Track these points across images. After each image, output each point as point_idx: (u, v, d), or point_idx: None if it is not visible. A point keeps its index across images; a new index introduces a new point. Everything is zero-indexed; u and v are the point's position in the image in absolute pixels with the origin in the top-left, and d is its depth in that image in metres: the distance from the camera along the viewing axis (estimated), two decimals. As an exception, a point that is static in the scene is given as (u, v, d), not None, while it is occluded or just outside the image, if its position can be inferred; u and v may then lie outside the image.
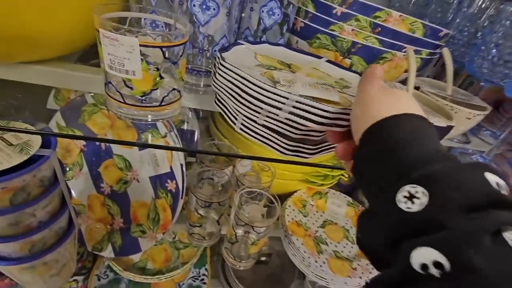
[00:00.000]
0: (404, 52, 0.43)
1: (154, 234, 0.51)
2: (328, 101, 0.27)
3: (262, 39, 0.44)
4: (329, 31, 0.43)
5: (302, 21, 0.46)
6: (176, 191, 0.50)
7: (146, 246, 0.51)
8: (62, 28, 0.34)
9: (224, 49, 0.32)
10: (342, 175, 0.69)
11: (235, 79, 0.28)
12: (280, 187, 0.64)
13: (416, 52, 0.43)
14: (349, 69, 0.40)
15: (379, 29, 0.41)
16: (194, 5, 0.34)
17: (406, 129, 0.20)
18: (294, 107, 0.25)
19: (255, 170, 0.62)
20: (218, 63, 0.30)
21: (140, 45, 0.25)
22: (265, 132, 0.31)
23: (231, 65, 0.28)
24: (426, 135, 0.20)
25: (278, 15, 0.42)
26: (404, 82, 0.51)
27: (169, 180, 0.50)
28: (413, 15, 0.63)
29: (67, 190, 0.38)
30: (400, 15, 0.40)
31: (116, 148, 0.52)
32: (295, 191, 0.69)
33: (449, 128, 0.33)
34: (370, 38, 0.42)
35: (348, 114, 0.25)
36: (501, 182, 0.16)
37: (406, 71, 0.47)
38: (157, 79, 0.28)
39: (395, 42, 0.42)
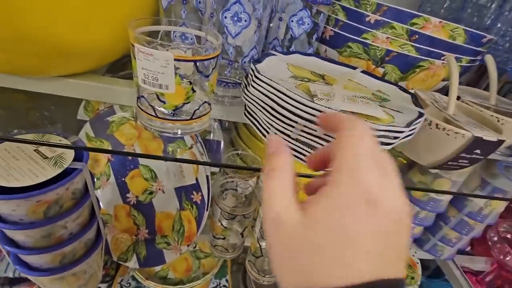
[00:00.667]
0: (444, 59, 0.40)
1: (178, 246, 0.50)
2: (370, 116, 0.26)
3: (291, 49, 0.43)
4: (361, 40, 0.42)
5: (331, 30, 0.45)
6: (201, 203, 0.50)
7: (171, 258, 0.51)
8: (96, 42, 0.35)
9: (257, 60, 0.31)
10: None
11: (270, 92, 0.27)
12: (305, 199, 0.62)
13: (456, 59, 0.40)
14: (385, 80, 0.38)
15: (416, 36, 0.39)
16: (225, 17, 0.33)
17: None
18: (335, 122, 0.24)
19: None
20: (252, 75, 0.29)
21: (174, 59, 0.25)
22: (299, 147, 0.30)
23: (266, 77, 0.27)
24: None
25: (308, 24, 0.41)
26: (441, 91, 0.48)
27: (194, 192, 0.50)
28: (446, 20, 0.60)
29: (96, 201, 0.38)
30: (440, 22, 0.37)
31: (142, 159, 0.53)
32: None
33: (500, 142, 0.31)
34: (406, 46, 0.40)
35: (394, 131, 0.23)
36: None
37: (444, 79, 0.44)
38: (190, 92, 0.28)
39: (433, 49, 0.40)
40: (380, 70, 0.43)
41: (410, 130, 0.25)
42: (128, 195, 0.54)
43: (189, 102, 0.28)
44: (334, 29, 0.44)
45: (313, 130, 0.26)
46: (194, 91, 0.28)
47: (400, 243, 0.14)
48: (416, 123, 0.26)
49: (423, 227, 0.66)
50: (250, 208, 0.50)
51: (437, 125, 0.31)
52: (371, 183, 0.14)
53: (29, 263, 0.36)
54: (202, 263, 0.74)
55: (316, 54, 0.43)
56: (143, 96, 0.28)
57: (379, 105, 0.29)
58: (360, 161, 0.14)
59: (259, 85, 0.28)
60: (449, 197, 0.60)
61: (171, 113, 0.28)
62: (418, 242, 0.70)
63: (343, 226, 0.13)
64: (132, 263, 0.52)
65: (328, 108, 0.24)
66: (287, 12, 0.41)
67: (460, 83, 0.57)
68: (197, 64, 0.27)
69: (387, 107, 0.30)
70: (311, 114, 0.25)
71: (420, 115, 0.28)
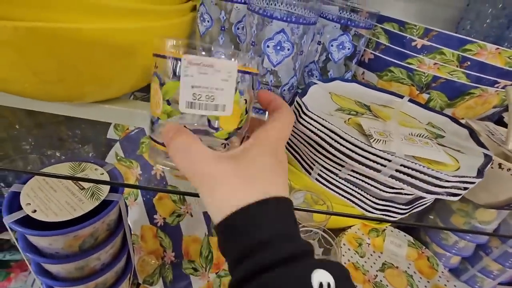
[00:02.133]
0: (497, 87, 0.37)
1: (206, 273, 0.49)
2: (434, 161, 0.23)
3: (329, 73, 0.41)
4: (405, 64, 0.39)
5: (371, 53, 0.42)
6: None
7: (198, 284, 0.49)
8: (132, 70, 0.34)
9: (302, 93, 0.30)
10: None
11: (320, 130, 0.25)
12: (331, 221, 0.59)
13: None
14: (435, 110, 0.35)
15: (468, 63, 0.36)
16: (268, 46, 0.32)
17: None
18: (397, 170, 0.22)
19: (308, 202, 0.58)
20: (299, 110, 0.27)
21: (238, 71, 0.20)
22: (347, 187, 0.28)
23: (316, 115, 0.25)
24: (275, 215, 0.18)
25: (348, 49, 0.39)
26: (490, 117, 0.45)
27: (223, 217, 0.48)
28: (488, 39, 0.57)
29: (129, 230, 0.37)
30: (497, 48, 0.35)
31: (170, 179, 0.52)
32: (349, 227, 0.64)
33: None
34: (456, 73, 0.37)
35: (464, 181, 0.21)
36: (332, 281, 0.15)
37: (495, 106, 0.41)
38: (244, 114, 0.22)
39: (486, 76, 0.37)
40: (425, 96, 0.40)
41: (481, 179, 0.22)
42: (155, 216, 0.53)
43: (241, 127, 0.22)
44: (374, 52, 0.42)
45: (368, 172, 0.24)
46: (247, 112, 0.22)
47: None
48: (486, 169, 0.23)
49: (461, 258, 0.62)
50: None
51: (500, 164, 0.29)
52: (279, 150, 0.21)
53: (62, 293, 0.36)
54: (223, 282, 0.73)
55: (356, 80, 0.40)
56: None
57: (438, 144, 0.27)
58: (280, 140, 0.22)
59: (307, 122, 0.26)
60: (494, 226, 0.56)
61: (223, 143, 0.22)
62: (454, 272, 0.66)
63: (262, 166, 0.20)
64: (158, 287, 0.51)
65: (389, 153, 0.22)
66: (325, 34, 0.40)
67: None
68: (254, 78, 0.22)
69: (445, 145, 0.28)
70: (366, 158, 0.23)
71: (488, 158, 0.25)
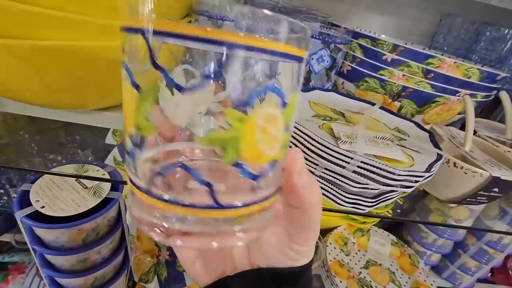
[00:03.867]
0: (459, 96, 0.42)
1: (199, 270, 0.52)
2: (391, 159, 0.27)
3: (311, 83, 0.46)
4: (378, 76, 0.44)
5: (349, 65, 0.47)
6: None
7: (191, 281, 0.52)
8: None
9: (282, 102, 0.34)
10: (387, 211, 0.67)
11: (296, 134, 0.29)
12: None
13: (471, 95, 0.42)
14: (403, 116, 0.40)
15: (432, 74, 0.41)
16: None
17: None
18: (358, 166, 0.26)
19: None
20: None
21: None
22: (322, 184, 0.32)
23: (295, 122, 0.29)
24: None
25: (327, 62, 0.44)
26: (457, 123, 0.50)
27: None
28: (459, 51, 0.62)
29: (127, 228, 0.41)
30: (455, 62, 0.39)
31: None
32: (335, 227, 0.67)
33: (518, 181, 0.32)
34: (422, 83, 0.41)
35: (415, 176, 0.25)
36: None
37: (460, 113, 0.45)
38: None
39: (448, 86, 0.41)
40: (397, 104, 0.45)
41: (429, 173, 0.26)
42: (151, 217, 0.56)
43: None
44: (351, 65, 0.47)
45: (336, 169, 0.28)
46: None
47: None
48: (436, 166, 0.27)
49: (441, 255, 0.65)
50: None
51: (454, 163, 0.33)
52: None
53: (63, 285, 0.38)
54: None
55: (335, 89, 0.45)
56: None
57: (398, 145, 0.31)
58: None
59: (286, 127, 0.30)
60: (468, 224, 0.60)
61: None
62: (436, 269, 0.69)
63: None
64: (153, 285, 0.54)
65: (353, 153, 0.26)
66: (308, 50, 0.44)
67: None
68: None
69: (406, 146, 0.32)
70: (335, 157, 0.27)
71: (439, 157, 0.29)
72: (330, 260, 0.59)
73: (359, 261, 0.62)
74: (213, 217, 0.12)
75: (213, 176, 0.13)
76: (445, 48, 0.64)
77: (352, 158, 0.26)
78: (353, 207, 0.31)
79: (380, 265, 0.62)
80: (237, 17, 0.12)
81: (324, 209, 0.28)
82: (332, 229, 0.67)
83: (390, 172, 0.25)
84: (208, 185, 0.11)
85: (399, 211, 0.72)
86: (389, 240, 0.67)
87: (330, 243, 0.63)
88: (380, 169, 0.25)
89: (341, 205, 0.31)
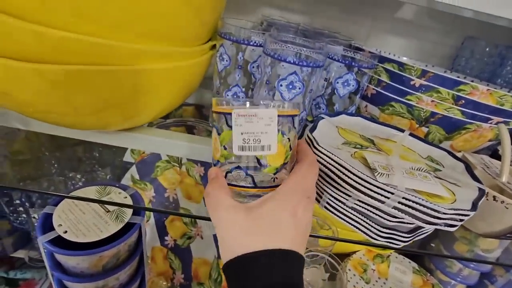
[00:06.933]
0: (490, 122, 0.40)
1: (215, 296, 0.50)
2: (432, 194, 0.26)
3: (335, 107, 0.45)
4: (405, 100, 0.43)
5: (374, 88, 0.46)
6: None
7: (206, 307, 0.50)
8: (155, 104, 0.38)
9: (312, 128, 0.33)
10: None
11: (329, 163, 0.28)
12: (337, 245, 0.60)
13: (504, 123, 0.40)
14: (434, 144, 0.38)
15: (463, 101, 0.40)
16: (281, 85, 0.36)
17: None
18: (399, 202, 0.25)
19: (313, 227, 0.60)
20: (310, 145, 0.30)
21: (278, 115, 0.24)
22: (354, 215, 0.30)
23: (327, 150, 0.28)
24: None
25: (352, 86, 0.43)
26: (484, 151, 0.48)
27: (233, 240, 0.50)
28: (483, 74, 0.61)
29: (146, 252, 0.40)
30: (488, 89, 0.38)
31: (183, 202, 0.54)
32: (353, 252, 0.65)
33: None
34: (452, 110, 0.40)
35: (461, 214, 0.24)
36: None
37: (490, 140, 0.44)
38: (288, 151, 0.25)
39: (480, 113, 0.40)
40: (424, 130, 0.44)
41: (475, 212, 0.25)
42: (166, 238, 0.55)
43: (287, 162, 0.26)
44: (376, 88, 0.46)
45: (374, 203, 0.27)
46: (291, 148, 0.26)
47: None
48: (480, 202, 0.26)
49: (467, 286, 0.62)
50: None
51: (494, 197, 0.31)
52: (297, 205, 0.23)
53: (79, 312, 0.37)
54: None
55: (360, 114, 0.44)
56: (238, 167, 0.25)
57: (436, 177, 0.29)
58: (297, 192, 0.23)
59: (318, 155, 0.29)
60: (496, 254, 0.57)
61: (272, 178, 0.25)
62: (460, 300, 0.66)
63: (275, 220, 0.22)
64: (167, 309, 0.52)
65: (392, 186, 0.25)
66: (330, 72, 0.44)
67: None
68: (294, 119, 0.25)
69: (443, 178, 0.30)
70: (371, 190, 0.26)
71: (481, 192, 0.28)
72: (350, 289, 0.56)
73: (380, 290, 0.59)
74: (254, 193, 0.25)
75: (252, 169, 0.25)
76: (468, 71, 0.63)
77: (393, 194, 0.24)
78: (388, 242, 0.29)
79: (402, 295, 0.59)
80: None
81: (356, 242, 0.27)
82: (349, 253, 0.65)
83: (434, 210, 0.23)
84: (252, 177, 0.25)
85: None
86: (411, 267, 0.64)
87: (349, 270, 0.60)
88: (425, 206, 0.23)
89: (375, 239, 0.30)
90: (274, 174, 0.25)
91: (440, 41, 0.65)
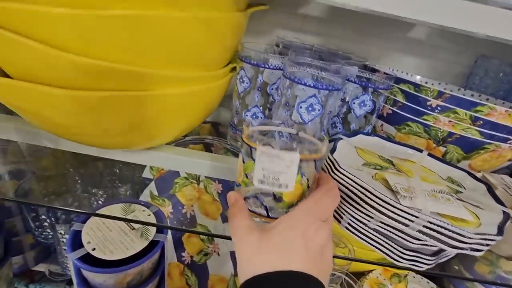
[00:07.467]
0: (510, 143, 0.40)
1: (232, 315, 0.50)
2: (456, 218, 0.26)
3: (352, 126, 0.46)
4: (422, 120, 0.43)
5: (390, 108, 0.47)
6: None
7: (223, 326, 0.50)
8: (176, 126, 0.39)
9: (332, 150, 0.34)
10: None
11: (351, 185, 0.29)
12: (353, 263, 0.59)
13: (522, 143, 0.40)
14: (453, 165, 0.39)
15: (481, 122, 0.40)
16: (300, 107, 0.37)
17: None
18: (424, 226, 0.25)
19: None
20: (331, 166, 0.31)
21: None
22: (376, 237, 0.30)
23: (348, 172, 0.29)
24: None
25: (369, 106, 0.44)
26: (503, 170, 0.48)
27: (250, 258, 0.50)
28: (498, 93, 0.61)
29: (167, 269, 0.40)
30: (506, 110, 0.39)
31: (200, 218, 0.55)
32: (370, 271, 0.64)
33: None
34: (470, 130, 0.41)
35: (487, 239, 0.24)
36: None
37: (510, 159, 0.44)
38: (306, 189, 0.27)
39: (499, 134, 0.40)
40: (442, 149, 0.44)
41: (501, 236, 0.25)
42: (183, 254, 0.55)
43: (302, 199, 0.27)
44: (392, 108, 0.47)
45: (397, 226, 0.27)
46: (309, 187, 0.27)
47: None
48: (506, 226, 0.26)
49: (489, 309, 0.60)
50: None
51: (518, 220, 0.31)
52: (309, 228, 0.23)
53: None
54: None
55: (377, 134, 0.45)
56: (255, 197, 0.27)
57: (458, 199, 0.30)
58: (310, 216, 0.24)
59: (339, 177, 0.30)
60: (519, 277, 0.55)
61: (284, 211, 0.27)
62: (482, 324, 0.63)
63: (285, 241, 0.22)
64: (183, 327, 0.52)
65: (417, 210, 0.25)
66: (347, 93, 0.45)
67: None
68: (317, 163, 0.27)
69: (465, 201, 0.30)
70: (395, 213, 0.26)
71: (506, 215, 0.28)
72: (368, 309, 0.55)
73: (398, 311, 0.57)
74: (266, 220, 0.27)
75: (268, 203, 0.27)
76: (482, 89, 0.63)
77: (417, 217, 0.25)
78: (411, 264, 0.29)
79: (422, 317, 0.57)
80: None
81: (378, 264, 0.27)
82: (365, 272, 0.64)
83: (460, 235, 0.24)
84: (265, 207, 0.27)
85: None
86: (429, 288, 0.62)
87: (366, 290, 0.59)
88: (450, 230, 0.24)
89: (398, 261, 0.30)
90: (288, 208, 0.27)
91: (453, 60, 0.65)
